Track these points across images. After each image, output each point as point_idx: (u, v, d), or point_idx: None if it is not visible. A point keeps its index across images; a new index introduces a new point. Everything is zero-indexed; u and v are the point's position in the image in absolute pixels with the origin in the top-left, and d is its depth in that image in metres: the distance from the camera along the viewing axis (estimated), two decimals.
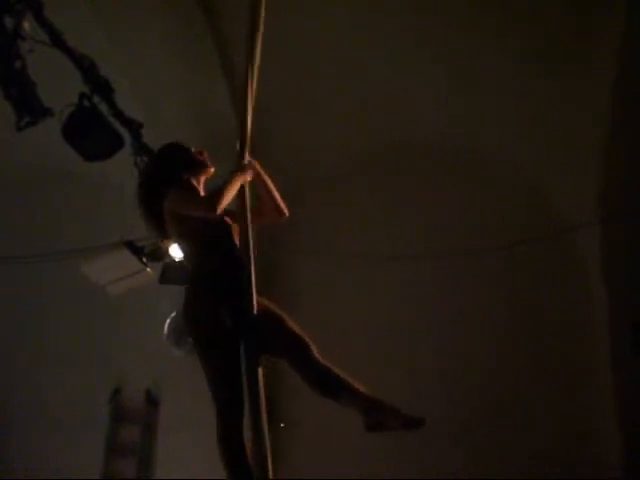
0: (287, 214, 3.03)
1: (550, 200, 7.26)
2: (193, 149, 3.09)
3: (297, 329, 2.86)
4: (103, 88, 4.53)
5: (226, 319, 2.73)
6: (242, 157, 2.87)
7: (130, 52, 5.86)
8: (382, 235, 7.36)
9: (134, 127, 5.02)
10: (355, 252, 7.16)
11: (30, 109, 3.88)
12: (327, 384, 2.74)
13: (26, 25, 3.72)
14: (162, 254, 6.09)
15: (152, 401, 7.24)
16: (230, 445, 2.69)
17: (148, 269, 6.18)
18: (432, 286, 7.24)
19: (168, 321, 6.86)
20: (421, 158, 7.35)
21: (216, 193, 2.75)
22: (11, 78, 3.77)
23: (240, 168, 2.84)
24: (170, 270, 6.22)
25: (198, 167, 3.05)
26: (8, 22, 3.72)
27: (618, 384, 6.53)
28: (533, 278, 7.16)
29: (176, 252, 6.02)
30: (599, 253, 6.83)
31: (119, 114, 4.81)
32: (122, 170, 5.23)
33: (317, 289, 7.50)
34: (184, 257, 3.15)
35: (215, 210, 2.72)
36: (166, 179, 2.94)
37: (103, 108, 4.58)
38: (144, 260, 6.12)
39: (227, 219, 2.94)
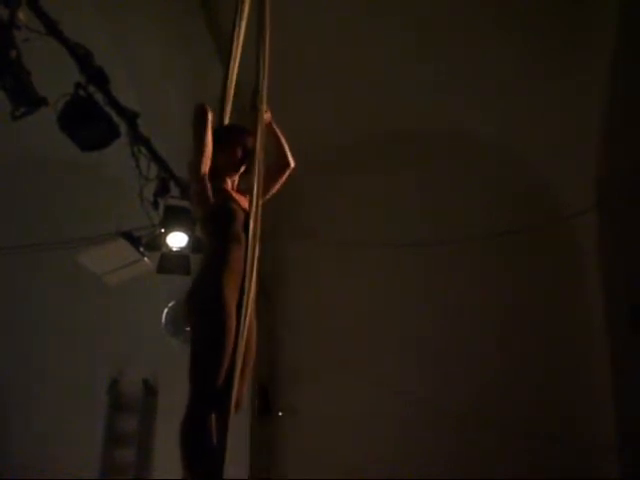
0: (293, 165, 3.02)
1: (549, 185, 7.30)
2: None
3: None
4: (98, 77, 4.51)
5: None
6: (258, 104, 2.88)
7: (126, 41, 5.84)
8: (378, 221, 7.38)
9: (130, 117, 5.01)
10: (350, 238, 7.17)
11: (25, 99, 3.87)
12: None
13: (21, 14, 3.70)
14: (160, 244, 6.09)
15: (150, 390, 7.27)
16: (201, 431, 2.60)
17: (146, 259, 6.18)
18: (429, 272, 7.27)
19: (166, 311, 6.88)
20: (419, 144, 7.36)
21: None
22: (6, 68, 3.75)
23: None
24: (168, 260, 6.22)
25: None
26: (3, 12, 3.70)
27: (616, 362, 6.62)
28: (532, 263, 7.20)
29: (174, 242, 6.03)
30: (596, 237, 6.90)
31: (115, 104, 4.79)
32: (119, 160, 5.22)
33: (308, 275, 7.54)
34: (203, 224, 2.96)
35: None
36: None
37: (99, 98, 4.57)
38: (141, 250, 6.11)
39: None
